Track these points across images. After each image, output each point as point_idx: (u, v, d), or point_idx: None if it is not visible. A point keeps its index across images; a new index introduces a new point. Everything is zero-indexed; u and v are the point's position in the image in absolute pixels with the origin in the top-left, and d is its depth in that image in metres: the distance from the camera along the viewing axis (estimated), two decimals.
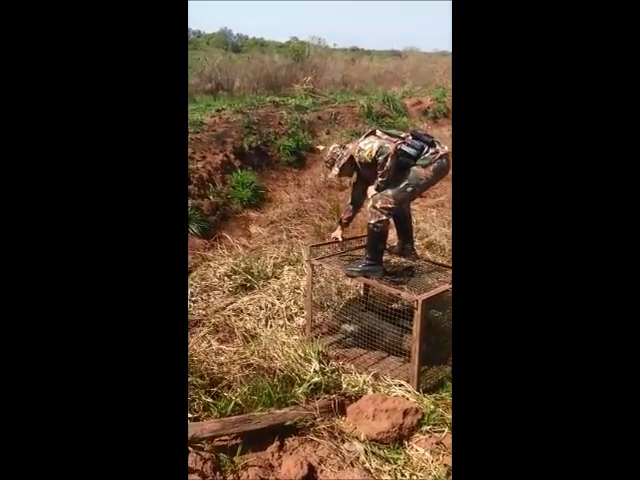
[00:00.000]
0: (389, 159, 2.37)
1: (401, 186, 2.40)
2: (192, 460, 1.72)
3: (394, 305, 2.79)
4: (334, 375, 2.32)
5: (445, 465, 1.80)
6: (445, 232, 4.09)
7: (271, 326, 2.81)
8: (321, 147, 7.52)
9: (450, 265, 2.71)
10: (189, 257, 3.70)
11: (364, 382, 2.28)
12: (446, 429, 1.98)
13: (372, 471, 1.79)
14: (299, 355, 2.37)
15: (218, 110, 8.04)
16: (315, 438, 1.92)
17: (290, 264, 3.58)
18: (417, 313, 2.16)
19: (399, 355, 2.47)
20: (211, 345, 2.53)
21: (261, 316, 2.90)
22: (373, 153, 2.40)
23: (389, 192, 2.41)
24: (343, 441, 1.94)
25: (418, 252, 2.95)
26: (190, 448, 1.75)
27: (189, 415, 1.94)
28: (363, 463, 1.82)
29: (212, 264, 3.56)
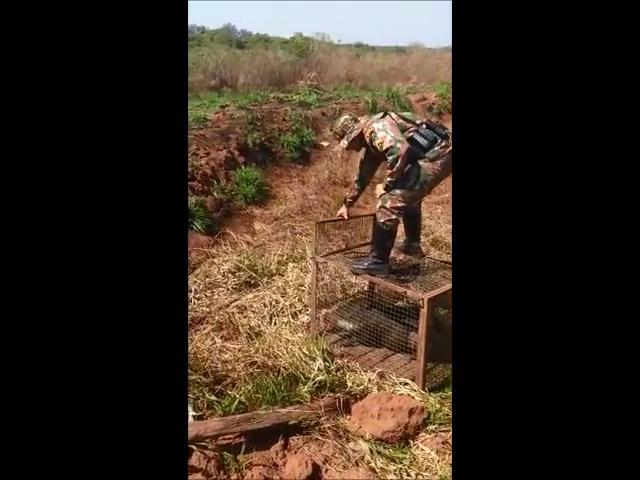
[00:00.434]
0: (399, 161, 2.30)
1: (410, 184, 2.35)
2: (196, 459, 1.71)
3: (399, 303, 2.77)
4: (339, 373, 2.31)
5: (451, 465, 1.78)
6: (450, 229, 4.06)
7: (275, 324, 2.80)
8: (325, 143, 7.50)
9: None
10: (193, 254, 3.68)
11: (369, 380, 2.26)
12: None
13: (377, 471, 1.78)
14: (304, 353, 2.36)
15: (222, 106, 8.02)
16: (320, 437, 1.91)
17: (294, 261, 3.56)
18: (423, 311, 2.13)
19: (404, 353, 2.45)
20: (215, 343, 2.51)
21: (265, 313, 2.88)
22: (384, 146, 2.33)
23: (398, 191, 2.36)
24: (348, 440, 1.92)
25: (423, 249, 2.92)
26: (194, 447, 1.74)
27: (193, 413, 1.93)
28: (368, 462, 1.80)
29: (216, 261, 3.55)
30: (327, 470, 1.77)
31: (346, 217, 2.77)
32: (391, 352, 2.51)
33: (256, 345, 2.50)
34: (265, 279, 3.28)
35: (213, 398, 2.04)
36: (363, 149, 2.65)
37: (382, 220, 2.41)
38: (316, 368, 2.25)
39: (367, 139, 2.47)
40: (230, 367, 2.31)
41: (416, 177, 2.35)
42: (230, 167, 5.58)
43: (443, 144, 2.35)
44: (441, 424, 1.98)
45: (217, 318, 2.82)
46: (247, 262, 3.41)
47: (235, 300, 3.04)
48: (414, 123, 2.43)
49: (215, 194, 4.87)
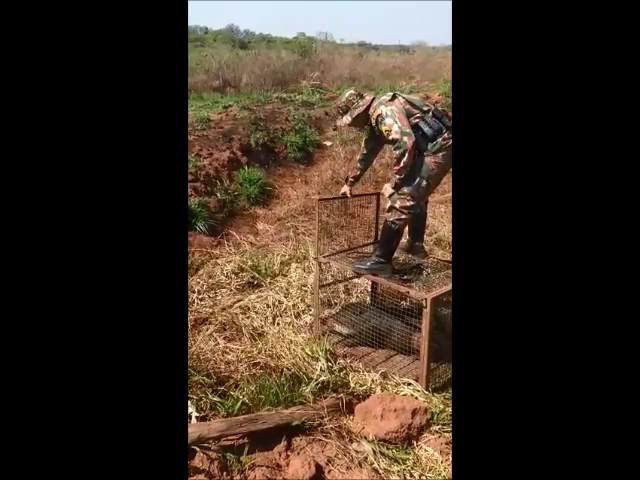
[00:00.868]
0: (406, 156, 2.24)
1: (416, 182, 2.32)
2: (199, 460, 1.71)
3: (402, 303, 2.76)
4: (342, 374, 2.30)
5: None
6: None
7: (278, 324, 2.80)
8: (328, 143, 7.49)
9: None
10: (196, 255, 3.69)
11: (372, 381, 2.25)
12: None
13: (380, 471, 1.77)
14: (306, 353, 2.35)
15: (225, 107, 8.03)
16: (323, 438, 1.90)
17: (297, 261, 3.56)
18: (426, 311, 2.13)
19: (407, 354, 2.44)
20: (218, 343, 2.51)
21: (268, 314, 2.88)
22: (390, 136, 2.27)
23: (405, 190, 2.34)
24: (351, 441, 1.92)
25: (427, 249, 2.91)
26: (197, 448, 1.74)
27: (196, 414, 1.93)
28: (371, 463, 1.80)
29: (219, 261, 3.55)
30: (330, 471, 1.77)
31: (349, 195, 2.71)
32: (394, 352, 2.50)
33: (259, 346, 2.50)
34: (268, 279, 3.28)
35: (216, 399, 2.04)
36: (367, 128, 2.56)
37: (392, 219, 2.39)
38: (319, 369, 2.24)
39: (373, 121, 2.40)
40: (233, 368, 2.31)
41: (420, 173, 2.31)
42: (233, 167, 5.60)
43: (446, 135, 2.28)
44: (445, 425, 1.97)
45: (220, 319, 2.82)
46: (250, 262, 3.41)
47: (238, 301, 3.04)
48: (421, 110, 2.35)
49: (218, 194, 4.88)
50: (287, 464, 1.79)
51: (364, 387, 2.21)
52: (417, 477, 1.77)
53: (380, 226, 2.68)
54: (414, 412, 1.94)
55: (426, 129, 2.29)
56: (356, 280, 3.16)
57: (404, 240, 2.80)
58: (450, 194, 5.15)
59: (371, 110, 2.40)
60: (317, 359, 2.31)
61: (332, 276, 3.06)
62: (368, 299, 2.96)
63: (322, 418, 1.96)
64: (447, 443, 1.89)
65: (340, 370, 2.32)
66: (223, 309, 2.95)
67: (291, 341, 2.51)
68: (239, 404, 2.01)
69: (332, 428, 1.94)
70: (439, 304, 2.36)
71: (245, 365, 2.33)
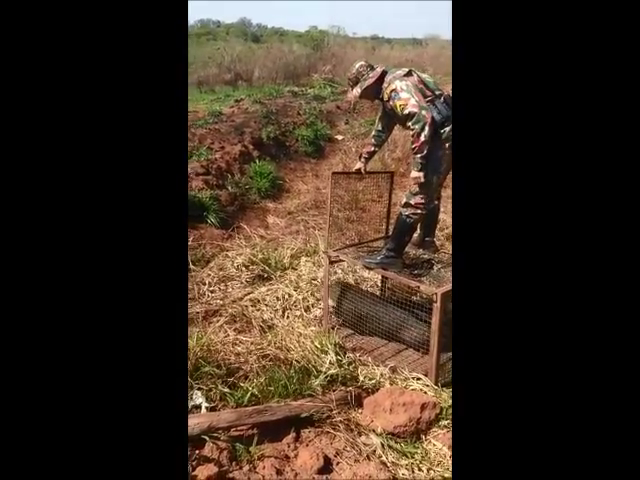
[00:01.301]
0: (426, 129, 2.11)
1: (426, 179, 2.29)
2: (209, 449, 1.73)
3: (413, 298, 2.75)
4: (351, 367, 2.30)
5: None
6: None
7: (288, 317, 2.81)
8: (340, 137, 7.47)
9: None
10: (207, 247, 3.71)
11: (381, 375, 2.25)
12: None
13: (389, 465, 1.77)
14: (316, 346, 2.36)
15: (237, 100, 8.04)
16: (331, 430, 1.91)
17: (307, 255, 3.57)
18: (436, 306, 2.12)
19: (417, 349, 2.44)
20: (228, 335, 2.53)
21: (278, 307, 2.89)
22: (407, 110, 2.16)
23: (417, 189, 2.31)
24: (360, 434, 1.92)
25: (438, 244, 2.89)
26: (207, 437, 1.76)
27: (206, 404, 1.95)
28: (380, 456, 1.80)
29: (230, 254, 3.57)
30: (338, 463, 1.78)
31: (363, 172, 2.66)
32: (404, 347, 2.50)
33: (269, 338, 2.51)
34: (278, 273, 3.29)
35: (226, 390, 2.06)
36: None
37: (407, 213, 2.36)
38: (328, 362, 2.25)
39: (385, 96, 2.30)
40: (243, 359, 2.32)
41: (430, 168, 2.24)
42: (244, 161, 5.61)
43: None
44: None
45: (230, 311, 2.84)
46: (260, 256, 3.42)
47: (248, 293, 3.06)
48: (433, 93, 2.25)
49: (229, 188, 4.89)
50: (296, 455, 1.80)
51: (373, 381, 2.21)
52: (425, 471, 1.77)
53: (393, 216, 2.66)
54: (423, 406, 1.94)
55: (435, 114, 2.20)
56: (366, 274, 3.16)
57: (415, 235, 2.78)
58: None
59: (384, 84, 2.31)
60: (326, 352, 2.31)
61: (342, 270, 3.06)
62: (378, 294, 2.95)
63: (331, 411, 1.97)
64: None
65: (349, 364, 2.32)
66: (233, 301, 2.97)
67: (300, 334, 2.52)
68: (248, 395, 2.02)
69: (341, 421, 1.94)
70: (449, 299, 2.35)
71: (255, 357, 2.34)
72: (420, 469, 1.78)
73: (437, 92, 2.28)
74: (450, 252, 2.93)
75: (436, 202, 2.52)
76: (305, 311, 2.88)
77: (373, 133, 2.64)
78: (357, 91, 2.40)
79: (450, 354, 2.22)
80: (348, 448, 1.83)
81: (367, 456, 1.80)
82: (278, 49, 12.12)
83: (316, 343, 2.38)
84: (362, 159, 2.64)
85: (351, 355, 2.41)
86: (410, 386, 2.16)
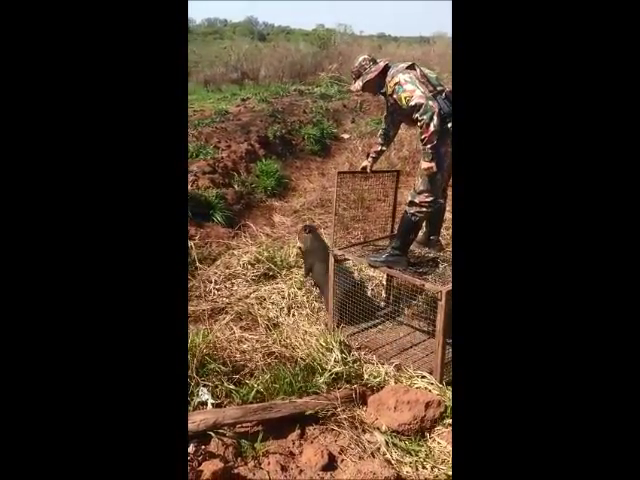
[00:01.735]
0: (435, 118, 2.10)
1: (429, 177, 2.30)
2: (214, 445, 1.75)
3: (418, 297, 2.75)
4: (356, 365, 2.31)
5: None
6: None
7: (293, 315, 2.82)
8: (346, 136, 7.47)
9: None
10: (213, 245, 3.74)
11: (386, 373, 2.26)
12: None
13: (393, 462, 1.78)
14: (321, 344, 2.37)
15: (243, 99, 8.06)
16: (336, 428, 1.92)
17: None
18: (441, 304, 2.12)
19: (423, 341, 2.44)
20: (234, 333, 2.55)
21: (283, 305, 2.90)
22: (413, 101, 2.16)
23: (421, 187, 2.32)
24: (364, 431, 1.93)
25: (443, 242, 2.89)
26: (212, 434, 1.78)
27: (211, 401, 1.97)
28: (384, 454, 1.81)
29: (236, 252, 3.59)
30: (343, 460, 1.79)
31: (369, 170, 2.66)
32: (409, 345, 2.50)
33: (274, 336, 2.53)
34: (284, 271, 3.31)
35: (232, 387, 2.08)
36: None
37: (412, 211, 2.36)
38: (333, 359, 2.26)
39: (389, 89, 2.29)
40: (248, 357, 2.34)
41: (437, 159, 2.22)
42: (251, 159, 5.62)
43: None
44: None
45: (236, 309, 2.86)
46: (266, 254, 3.44)
47: (254, 291, 3.08)
48: (435, 88, 2.23)
49: (236, 186, 4.91)
50: (300, 452, 1.81)
51: (378, 379, 2.22)
52: (429, 469, 1.77)
53: (398, 215, 2.66)
54: (427, 405, 1.94)
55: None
56: (371, 273, 3.16)
57: (420, 233, 2.78)
58: None
59: (388, 78, 2.31)
60: (331, 350, 2.32)
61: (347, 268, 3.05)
62: (383, 292, 2.96)
63: (335, 408, 1.97)
64: None
65: (354, 362, 2.33)
66: (239, 299, 2.99)
67: (306, 332, 2.53)
68: (254, 392, 2.04)
69: (345, 418, 1.95)
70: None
71: (260, 354, 2.36)
72: (424, 467, 1.78)
73: (439, 88, 2.27)
74: None
75: (442, 201, 2.51)
76: (310, 309, 2.89)
77: (380, 132, 2.64)
78: (359, 84, 2.41)
79: None
80: (352, 445, 1.84)
81: (371, 454, 1.81)
82: (285, 48, 12.13)
83: (321, 341, 2.39)
84: (370, 158, 2.65)
85: (356, 353, 2.42)
86: (415, 384, 2.17)
